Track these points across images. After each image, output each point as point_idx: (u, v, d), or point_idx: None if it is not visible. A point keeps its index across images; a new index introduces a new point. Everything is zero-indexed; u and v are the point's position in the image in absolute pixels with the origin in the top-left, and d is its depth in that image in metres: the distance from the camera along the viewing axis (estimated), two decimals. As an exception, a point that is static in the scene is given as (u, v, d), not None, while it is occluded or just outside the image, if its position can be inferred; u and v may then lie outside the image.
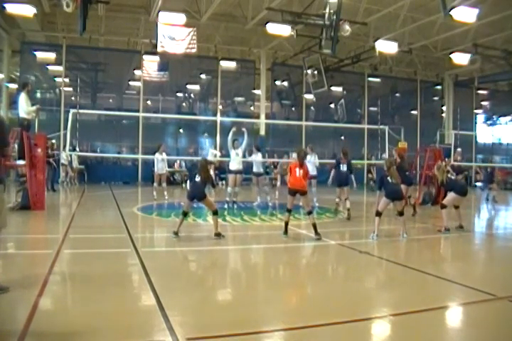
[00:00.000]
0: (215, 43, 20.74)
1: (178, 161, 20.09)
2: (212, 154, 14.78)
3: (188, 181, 7.46)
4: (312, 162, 11.59)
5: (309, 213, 7.28)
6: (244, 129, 11.38)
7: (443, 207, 8.08)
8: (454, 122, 25.09)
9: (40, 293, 3.92)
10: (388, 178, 7.32)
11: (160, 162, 12.58)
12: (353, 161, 11.18)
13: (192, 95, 25.67)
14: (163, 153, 12.86)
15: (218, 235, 6.87)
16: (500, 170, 22.21)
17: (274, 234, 7.94)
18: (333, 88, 23.28)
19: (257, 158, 11.97)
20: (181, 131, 23.82)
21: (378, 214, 7.27)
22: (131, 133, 21.17)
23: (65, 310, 3.76)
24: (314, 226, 7.06)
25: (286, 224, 7.30)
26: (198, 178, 7.06)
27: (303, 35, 16.84)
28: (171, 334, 3.09)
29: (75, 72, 21.86)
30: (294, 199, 7.40)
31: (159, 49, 17.43)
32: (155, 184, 12.70)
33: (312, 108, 25.60)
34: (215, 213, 7.06)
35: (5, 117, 18.33)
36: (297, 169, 7.37)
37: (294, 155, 8.20)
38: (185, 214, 7.09)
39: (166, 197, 12.55)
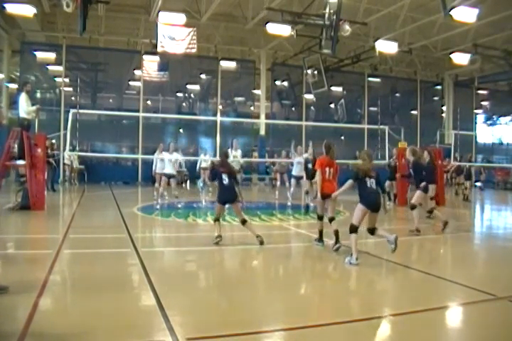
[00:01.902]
0: (215, 43, 20.73)
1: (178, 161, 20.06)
2: (204, 161, 14.79)
3: (217, 183, 6.57)
4: (302, 162, 11.21)
5: (333, 219, 6.37)
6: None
7: (413, 207, 7.67)
8: (454, 122, 25.05)
9: (40, 294, 3.92)
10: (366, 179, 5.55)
11: (159, 162, 12.57)
12: (354, 161, 11.18)
13: (192, 95, 25.68)
14: (163, 153, 12.85)
15: (259, 237, 6.38)
16: (500, 170, 22.27)
17: (273, 234, 7.95)
18: (333, 88, 23.29)
19: (172, 157, 11.73)
20: (181, 131, 23.82)
21: (355, 229, 5.56)
22: (131, 133, 21.18)
23: (65, 310, 3.75)
24: (337, 233, 6.22)
25: (321, 232, 6.47)
26: (226, 180, 6.37)
27: (303, 35, 16.83)
28: (171, 334, 3.09)
29: (75, 72, 21.85)
30: (325, 204, 6.36)
31: (159, 49, 17.43)
32: (156, 184, 12.65)
33: (312, 108, 25.60)
34: (244, 222, 6.51)
35: (5, 117, 18.36)
36: (327, 169, 6.28)
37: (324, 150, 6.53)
38: (217, 220, 6.56)
39: (167, 197, 12.52)
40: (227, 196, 6.49)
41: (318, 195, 6.37)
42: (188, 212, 10.01)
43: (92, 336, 3.12)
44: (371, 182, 5.52)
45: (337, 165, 6.48)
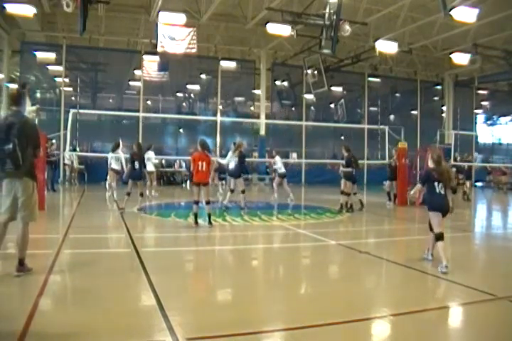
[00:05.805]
0: (215, 43, 20.74)
1: (178, 161, 20.08)
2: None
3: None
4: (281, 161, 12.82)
5: (208, 203, 8.03)
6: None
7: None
8: (454, 122, 25.08)
9: (40, 293, 3.92)
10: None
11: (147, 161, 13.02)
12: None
13: (192, 95, 25.67)
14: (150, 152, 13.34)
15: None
16: (499, 171, 22.28)
17: (273, 233, 7.96)
18: (333, 88, 23.25)
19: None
20: (181, 131, 23.82)
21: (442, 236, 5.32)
22: (131, 133, 21.13)
23: (65, 310, 3.75)
24: (209, 216, 7.99)
25: (196, 215, 7.96)
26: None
27: (303, 35, 16.83)
28: (171, 334, 3.09)
29: (75, 72, 21.83)
30: (200, 190, 8.03)
31: (159, 49, 17.43)
32: (148, 182, 13.29)
33: (312, 108, 25.58)
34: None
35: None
36: (200, 162, 7.87)
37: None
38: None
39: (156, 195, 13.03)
40: None
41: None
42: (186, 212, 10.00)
43: (92, 336, 3.12)
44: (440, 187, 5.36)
45: (209, 158, 8.16)
